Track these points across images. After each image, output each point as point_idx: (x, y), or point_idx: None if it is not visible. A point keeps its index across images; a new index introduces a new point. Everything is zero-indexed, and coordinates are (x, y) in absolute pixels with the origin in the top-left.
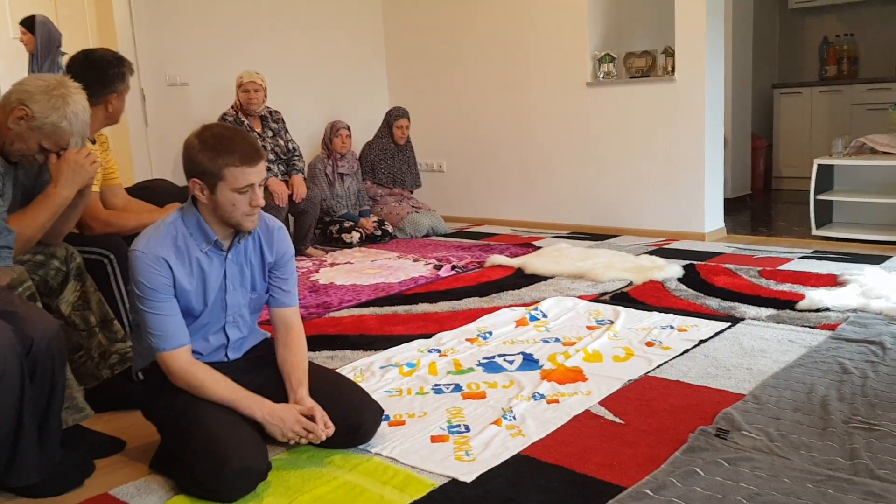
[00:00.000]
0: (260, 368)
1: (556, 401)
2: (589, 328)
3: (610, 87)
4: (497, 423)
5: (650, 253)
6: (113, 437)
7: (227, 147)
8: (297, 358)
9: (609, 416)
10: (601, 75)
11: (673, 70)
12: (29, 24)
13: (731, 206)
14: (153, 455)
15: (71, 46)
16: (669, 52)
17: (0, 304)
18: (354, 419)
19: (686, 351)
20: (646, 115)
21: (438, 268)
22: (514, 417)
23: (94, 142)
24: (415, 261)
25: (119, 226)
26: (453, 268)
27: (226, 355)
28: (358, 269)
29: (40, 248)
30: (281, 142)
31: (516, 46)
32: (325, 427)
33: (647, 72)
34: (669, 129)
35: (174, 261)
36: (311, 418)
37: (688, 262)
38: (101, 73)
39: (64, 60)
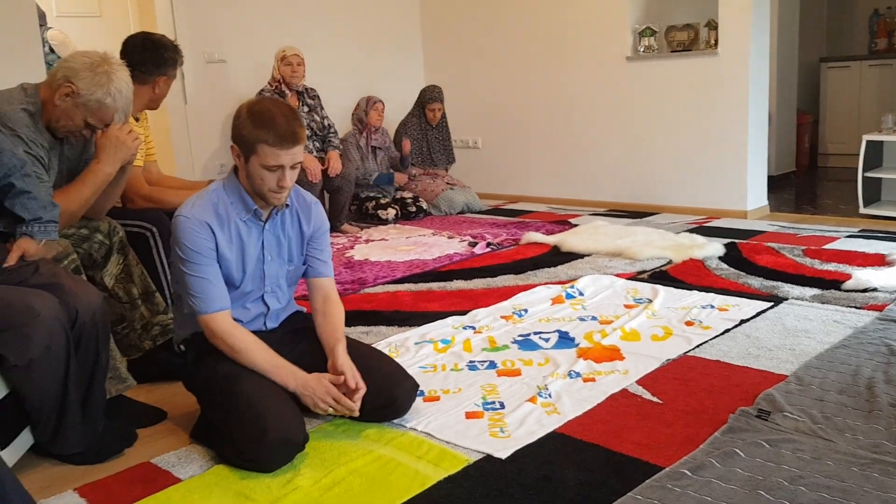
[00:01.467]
0: (297, 342)
1: (593, 379)
2: (626, 306)
3: (650, 61)
4: (532, 400)
5: (690, 231)
6: (154, 407)
7: (266, 124)
8: (334, 321)
9: (647, 395)
10: (641, 49)
11: (716, 43)
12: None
13: (775, 184)
14: (194, 425)
15: (111, 25)
16: (713, 25)
17: (46, 277)
18: (389, 393)
19: (727, 331)
20: (687, 90)
21: (473, 245)
22: (550, 395)
23: (136, 119)
24: (449, 238)
25: (160, 200)
26: (488, 245)
27: (264, 324)
28: (393, 246)
29: (84, 222)
30: (317, 118)
31: (554, 20)
32: (356, 387)
33: (689, 45)
34: (712, 104)
35: (216, 227)
36: (343, 386)
37: (729, 240)
38: (157, 55)
39: (49, 35)
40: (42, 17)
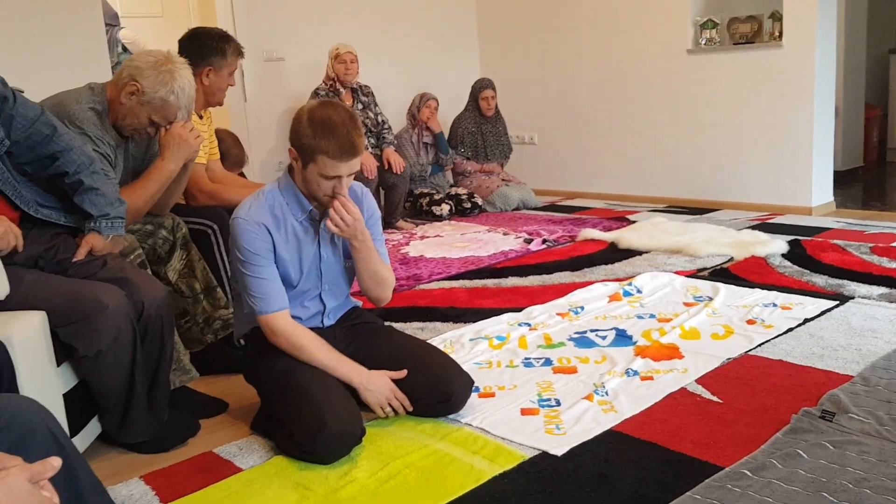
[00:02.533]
0: (353, 337)
1: (651, 377)
2: (686, 304)
3: (712, 54)
4: (589, 398)
5: (753, 228)
6: (216, 398)
7: (327, 134)
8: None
9: (706, 394)
10: (703, 42)
11: (780, 35)
12: None
13: (842, 179)
14: (254, 417)
15: (171, 24)
16: (777, 17)
17: (113, 271)
18: (444, 389)
19: (790, 329)
20: (750, 83)
21: (529, 241)
22: (607, 393)
23: (200, 117)
24: (504, 234)
25: (222, 198)
26: (544, 241)
27: (322, 321)
28: (447, 242)
29: (149, 218)
30: (371, 114)
31: (613, 13)
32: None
33: (752, 38)
34: (775, 97)
35: (272, 228)
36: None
37: (793, 237)
38: (199, 46)
39: (121, 35)
40: (115, 17)
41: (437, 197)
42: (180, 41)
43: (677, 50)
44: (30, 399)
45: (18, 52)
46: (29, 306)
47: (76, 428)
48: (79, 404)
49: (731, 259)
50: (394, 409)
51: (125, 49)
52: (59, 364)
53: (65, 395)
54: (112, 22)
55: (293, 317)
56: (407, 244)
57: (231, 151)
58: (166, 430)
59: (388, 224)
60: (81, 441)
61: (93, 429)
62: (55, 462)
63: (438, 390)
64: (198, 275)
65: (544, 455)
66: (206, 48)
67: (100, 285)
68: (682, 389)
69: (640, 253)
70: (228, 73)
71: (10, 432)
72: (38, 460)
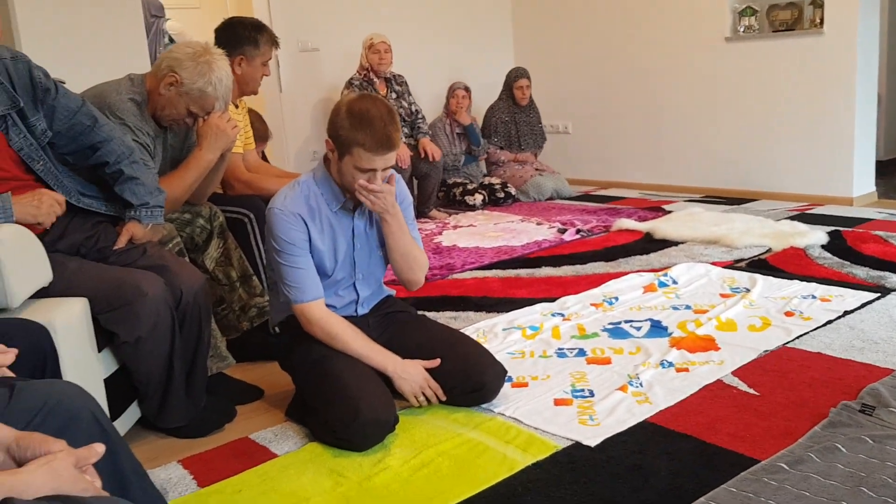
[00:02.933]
0: (387, 326)
1: (686, 369)
2: (722, 296)
3: (751, 41)
4: (623, 389)
5: (791, 218)
6: (252, 385)
7: (364, 128)
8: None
9: (743, 386)
10: (741, 29)
11: (821, 22)
12: None
13: (884, 169)
14: (289, 404)
15: (208, 15)
16: (818, 3)
17: (153, 259)
18: (478, 378)
19: (829, 322)
20: (790, 71)
21: (563, 231)
22: (641, 384)
23: (236, 106)
24: (538, 224)
25: (258, 187)
26: (578, 231)
27: (356, 310)
28: (481, 232)
29: (187, 207)
30: (405, 104)
31: (649, 0)
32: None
33: (792, 25)
34: (816, 85)
35: (308, 218)
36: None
37: (833, 228)
38: (233, 36)
39: (168, 26)
40: (160, 9)
41: (470, 186)
42: (216, 30)
43: (715, 38)
44: (74, 384)
45: (60, 44)
46: (71, 293)
47: (116, 412)
48: (119, 389)
49: (770, 250)
50: (427, 399)
51: (171, 40)
52: (100, 350)
53: (105, 381)
54: (158, 13)
55: (328, 306)
56: (440, 234)
57: (254, 126)
58: (204, 415)
59: (421, 213)
60: (121, 425)
61: (132, 413)
62: (99, 448)
63: (471, 380)
64: (234, 263)
65: (577, 445)
66: (240, 38)
67: (140, 273)
68: (718, 381)
69: (675, 243)
70: (262, 63)
71: (55, 417)
72: (83, 444)
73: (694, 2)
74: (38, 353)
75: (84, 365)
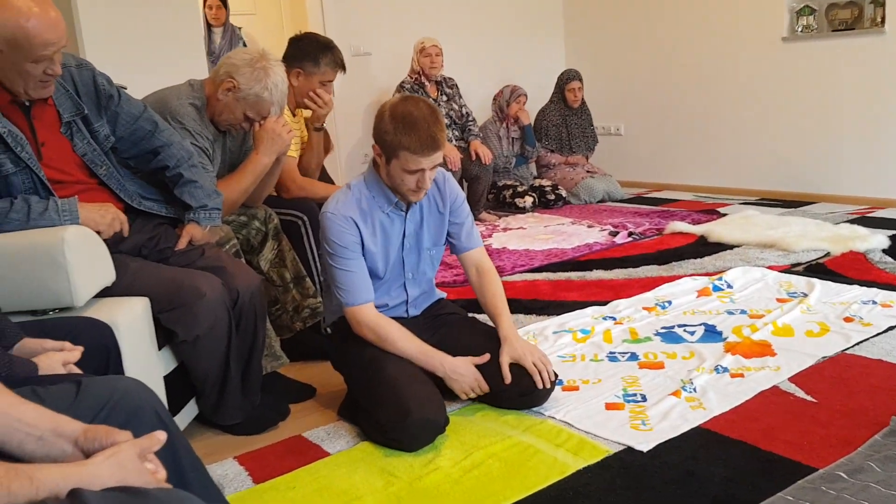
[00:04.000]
0: (437, 328)
1: (741, 375)
2: (779, 300)
3: (809, 41)
4: (676, 394)
5: (851, 221)
6: (305, 384)
7: (408, 130)
8: (494, 297)
9: (800, 393)
10: (799, 29)
11: (883, 21)
12: None
13: None
14: (341, 403)
15: (266, 22)
16: (879, 2)
17: (211, 260)
18: (528, 381)
19: (890, 328)
20: (850, 71)
21: (614, 234)
22: (695, 389)
23: (293, 115)
24: (589, 227)
25: (312, 191)
26: (630, 234)
27: (406, 311)
28: (531, 235)
29: (243, 209)
30: (455, 107)
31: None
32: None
33: (852, 24)
34: (877, 86)
35: (360, 221)
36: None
37: (894, 231)
38: (299, 48)
39: (243, 32)
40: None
41: (520, 189)
42: (290, 39)
43: (772, 37)
44: (137, 380)
45: (121, 50)
46: (133, 293)
47: (175, 409)
48: (178, 387)
49: (828, 254)
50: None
51: (246, 46)
52: (160, 348)
53: (165, 378)
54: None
55: (380, 305)
56: (490, 236)
57: None
58: (258, 413)
59: None
60: (180, 422)
61: (190, 410)
62: (161, 436)
63: (522, 382)
64: (288, 264)
65: (629, 450)
66: (304, 52)
67: (198, 274)
68: (775, 388)
69: (730, 247)
70: (319, 82)
71: (119, 412)
72: None
73: (750, 1)
74: (103, 351)
75: (145, 362)
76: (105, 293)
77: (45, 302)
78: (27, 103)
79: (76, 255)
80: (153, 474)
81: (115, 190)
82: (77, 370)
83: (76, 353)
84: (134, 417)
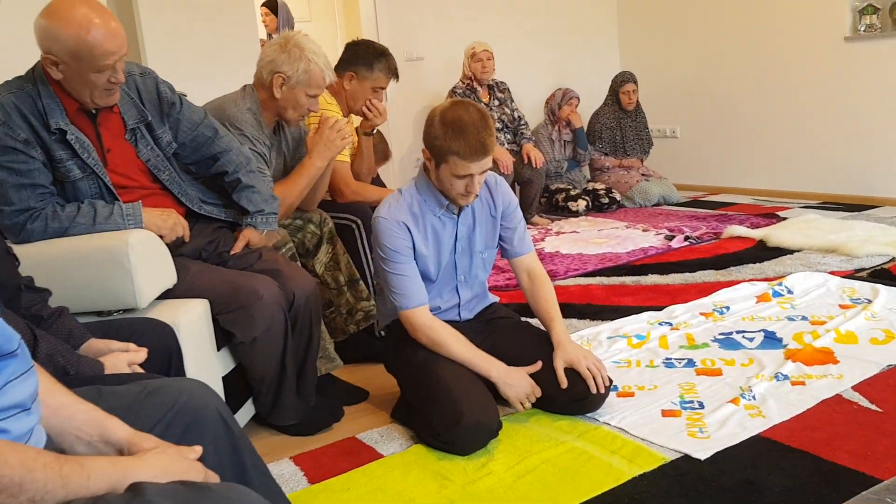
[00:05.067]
0: (490, 332)
1: (802, 383)
2: (842, 307)
3: (872, 41)
4: (734, 401)
5: None
6: (358, 386)
7: (457, 136)
8: (546, 303)
9: (864, 402)
10: (862, 28)
11: None
12: (272, 6)
13: None
14: (394, 406)
15: (321, 28)
16: None
17: (268, 263)
18: (583, 387)
19: None
20: None
21: (670, 238)
22: (754, 397)
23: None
24: (644, 231)
25: (365, 195)
26: (686, 238)
27: (459, 315)
28: (584, 239)
29: (298, 213)
30: (507, 110)
31: None
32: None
33: None
34: None
35: (412, 225)
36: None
37: None
38: (354, 53)
39: None
40: (293, 22)
41: (573, 192)
42: (346, 44)
43: (833, 37)
44: (201, 382)
45: (181, 58)
46: (193, 295)
47: (232, 409)
48: (235, 387)
49: (893, 259)
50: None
51: None
52: (218, 349)
53: (223, 378)
54: (293, 24)
55: (432, 308)
56: (542, 240)
57: (378, 146)
58: (313, 414)
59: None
60: (237, 421)
61: (247, 410)
62: (198, 448)
63: (576, 388)
64: (342, 268)
65: (686, 458)
66: (359, 56)
67: (256, 277)
68: (837, 396)
69: (790, 252)
70: (371, 88)
71: (185, 413)
72: (209, 438)
73: (811, 1)
74: (165, 352)
75: (205, 363)
76: (166, 295)
77: (109, 303)
78: (94, 111)
79: (140, 258)
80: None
81: (177, 195)
82: (141, 371)
83: (141, 354)
84: (197, 419)
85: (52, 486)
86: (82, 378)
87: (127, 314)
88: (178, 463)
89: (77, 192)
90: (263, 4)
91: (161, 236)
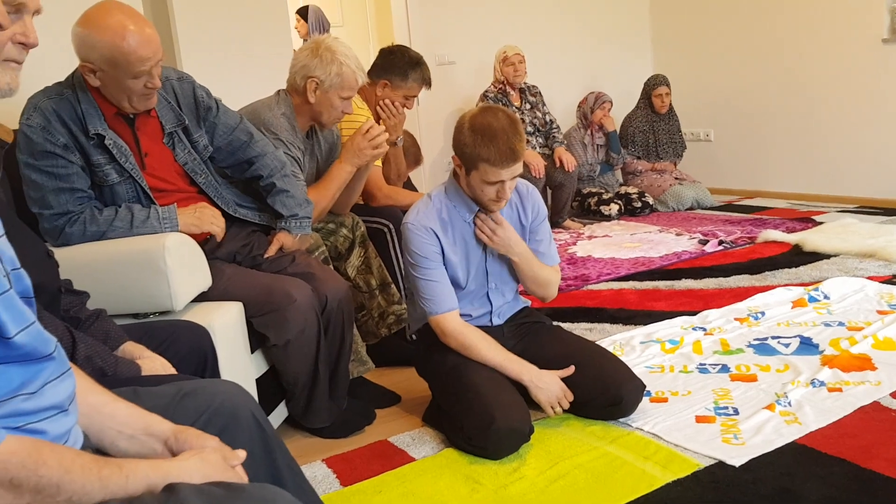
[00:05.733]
0: (522, 336)
1: (839, 389)
2: (880, 312)
3: None
4: (770, 408)
5: None
6: (390, 390)
7: (487, 142)
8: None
9: None
10: None
11: None
12: (303, 12)
13: None
14: (426, 409)
15: (353, 33)
16: None
17: (301, 267)
18: (615, 392)
19: None
20: None
21: (704, 242)
22: (790, 404)
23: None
24: (677, 235)
25: (397, 199)
26: (720, 243)
27: (490, 321)
28: (616, 243)
29: (331, 217)
30: (539, 114)
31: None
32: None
33: None
34: None
35: (440, 232)
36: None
37: None
38: (388, 61)
39: None
40: (327, 27)
41: (605, 196)
42: (381, 50)
43: (871, 39)
44: (235, 384)
45: (217, 63)
46: (228, 297)
47: (266, 411)
48: (268, 390)
49: None
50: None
51: None
52: (252, 352)
53: (256, 381)
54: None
55: (463, 315)
56: (574, 244)
57: (410, 150)
58: (346, 416)
59: (555, 224)
60: (271, 423)
61: (280, 413)
62: (241, 454)
63: (609, 393)
64: (374, 271)
65: (721, 465)
66: (394, 65)
67: (289, 280)
68: (875, 403)
69: (827, 256)
70: (404, 96)
71: (220, 415)
72: (243, 440)
73: (848, 1)
74: (201, 353)
75: (239, 365)
76: (201, 298)
77: (146, 305)
78: (132, 115)
79: (176, 261)
80: (239, 475)
81: (213, 198)
82: (173, 370)
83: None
84: (232, 421)
85: (90, 487)
86: (120, 379)
87: (163, 316)
88: (220, 472)
89: (115, 195)
90: (297, 11)
91: (203, 232)
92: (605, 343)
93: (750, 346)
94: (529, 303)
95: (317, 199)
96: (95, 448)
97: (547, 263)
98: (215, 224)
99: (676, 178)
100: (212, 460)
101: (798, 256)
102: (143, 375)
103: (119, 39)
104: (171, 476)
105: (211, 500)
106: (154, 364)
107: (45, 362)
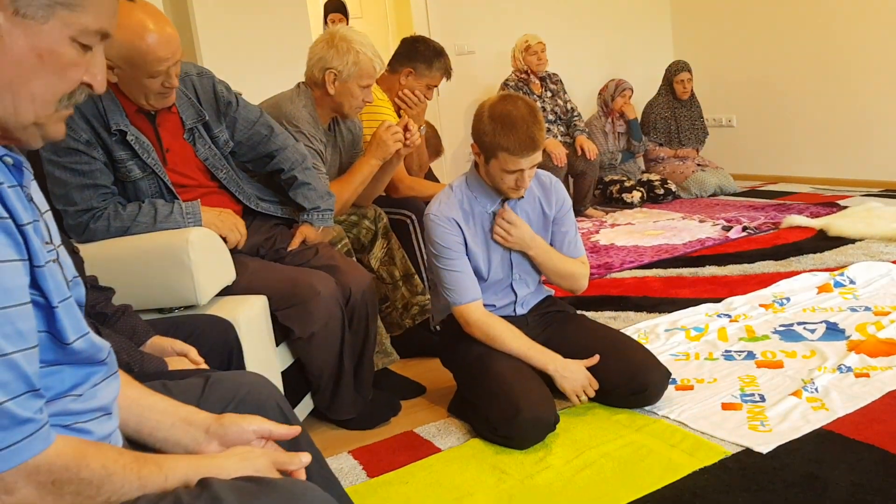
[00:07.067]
0: (546, 325)
1: (867, 374)
2: None
3: None
4: (796, 394)
5: None
6: (415, 381)
7: (507, 131)
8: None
9: None
10: None
11: None
12: (341, 8)
13: None
14: (451, 400)
15: (372, 24)
16: None
17: (324, 259)
18: (641, 380)
19: None
20: None
21: (727, 229)
22: (817, 390)
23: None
24: (701, 221)
25: (419, 190)
26: (744, 229)
27: (514, 310)
28: (639, 230)
29: (354, 209)
30: (560, 102)
31: None
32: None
33: None
34: None
35: (462, 222)
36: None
37: None
38: (412, 50)
39: None
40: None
41: (627, 184)
42: (403, 40)
43: (894, 21)
44: (260, 375)
45: (236, 57)
46: (252, 291)
47: (291, 404)
48: (293, 382)
49: None
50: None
51: None
52: (277, 345)
53: (282, 374)
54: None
55: (487, 305)
56: (597, 232)
57: (430, 141)
58: (371, 408)
59: (577, 212)
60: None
61: (306, 405)
62: (305, 458)
63: (634, 381)
64: (397, 262)
65: (748, 452)
66: (418, 53)
67: (313, 272)
68: None
69: (852, 241)
70: (426, 86)
71: (245, 406)
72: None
73: None
74: (226, 347)
75: (264, 358)
76: (226, 292)
77: (170, 300)
78: (152, 112)
79: (200, 255)
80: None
81: (235, 193)
82: (205, 365)
83: (200, 363)
84: (258, 412)
85: (128, 487)
86: (147, 374)
87: (188, 311)
88: (256, 468)
89: (137, 191)
90: (333, 10)
91: (223, 238)
92: (629, 331)
93: (776, 332)
94: (553, 292)
95: (339, 192)
96: (135, 442)
97: (572, 255)
98: (236, 231)
99: (699, 165)
100: (254, 459)
101: (823, 241)
102: (170, 370)
103: (138, 39)
104: (211, 472)
105: (242, 494)
106: (182, 362)
107: (99, 367)
